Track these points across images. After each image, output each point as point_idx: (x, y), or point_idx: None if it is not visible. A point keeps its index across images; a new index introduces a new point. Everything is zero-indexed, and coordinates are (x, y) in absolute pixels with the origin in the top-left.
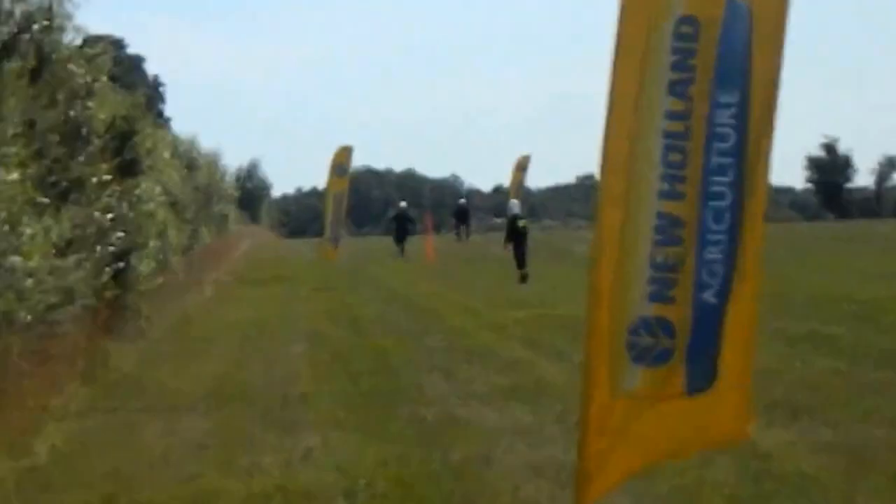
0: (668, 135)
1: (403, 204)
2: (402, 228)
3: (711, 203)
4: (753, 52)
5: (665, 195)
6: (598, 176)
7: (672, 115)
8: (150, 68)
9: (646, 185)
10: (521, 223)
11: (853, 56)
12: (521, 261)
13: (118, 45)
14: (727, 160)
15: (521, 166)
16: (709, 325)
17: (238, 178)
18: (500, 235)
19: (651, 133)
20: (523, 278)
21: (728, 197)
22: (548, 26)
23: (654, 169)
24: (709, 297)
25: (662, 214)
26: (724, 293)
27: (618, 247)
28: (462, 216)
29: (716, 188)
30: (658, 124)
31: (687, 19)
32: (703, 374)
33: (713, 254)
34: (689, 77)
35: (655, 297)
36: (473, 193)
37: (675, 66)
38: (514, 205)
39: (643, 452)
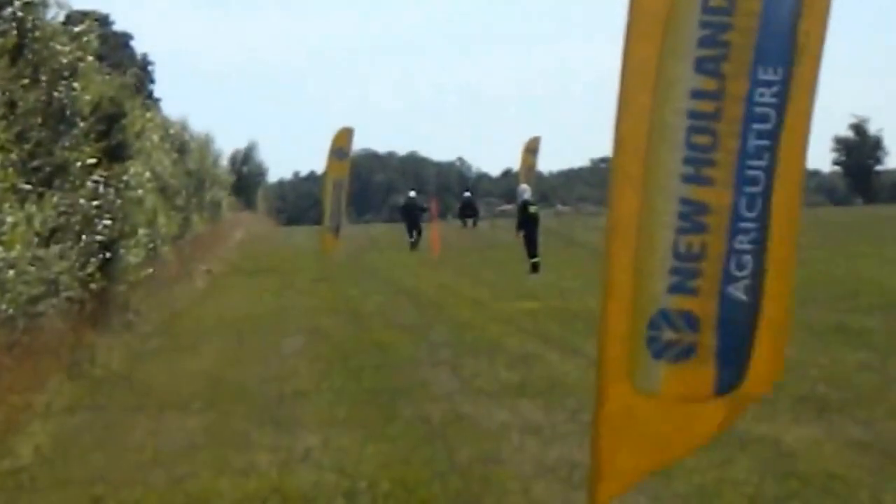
0: (694, 115)
1: (413, 193)
2: (412, 217)
3: (746, 189)
4: (800, 24)
5: (690, 179)
6: (611, 158)
7: (700, 95)
8: (139, 46)
9: (666, 169)
10: (532, 209)
11: (884, 30)
12: (532, 249)
13: (104, 21)
14: (765, 143)
15: (531, 149)
16: (742, 323)
17: (234, 162)
18: (509, 222)
19: (672, 113)
20: (534, 267)
21: (762, 182)
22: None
23: (677, 151)
24: (737, 292)
25: (687, 200)
26: (756, 290)
27: (634, 234)
28: (468, 209)
29: (751, 173)
30: (681, 104)
31: None
32: (736, 374)
33: (743, 244)
34: (722, 54)
35: (677, 289)
36: (481, 178)
37: (703, 42)
38: (525, 190)
39: (662, 451)
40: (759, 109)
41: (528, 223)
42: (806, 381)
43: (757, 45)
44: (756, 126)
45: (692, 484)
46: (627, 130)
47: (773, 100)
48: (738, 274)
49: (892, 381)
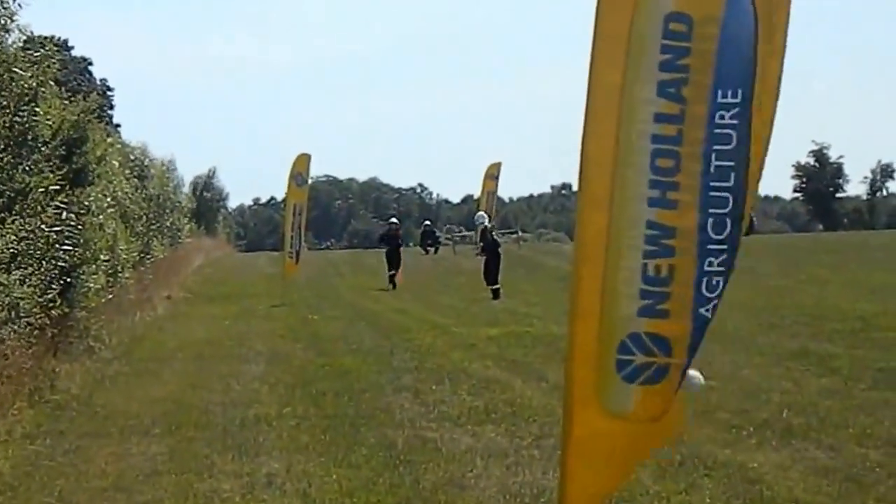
0: (657, 139)
1: (395, 220)
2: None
3: (712, 211)
4: (759, 49)
5: (655, 203)
6: (577, 180)
7: (662, 118)
8: (98, 72)
9: (632, 192)
10: (493, 235)
11: (845, 57)
12: (493, 276)
13: (63, 46)
14: (728, 163)
15: (492, 174)
16: (700, 338)
17: (196, 188)
18: (470, 249)
19: (637, 136)
20: (495, 294)
21: (729, 204)
22: (520, 26)
23: (642, 175)
24: (707, 313)
25: (653, 224)
26: (717, 305)
27: (602, 258)
28: (429, 237)
29: (716, 194)
30: (645, 127)
31: (677, 16)
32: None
33: (714, 266)
34: (682, 77)
35: (647, 312)
36: (442, 204)
37: (664, 66)
38: (483, 216)
39: (625, 469)
40: (719, 132)
41: (489, 249)
42: (770, 407)
43: (716, 68)
44: (718, 148)
45: None
46: (594, 154)
47: (734, 121)
48: (710, 295)
49: (855, 406)
